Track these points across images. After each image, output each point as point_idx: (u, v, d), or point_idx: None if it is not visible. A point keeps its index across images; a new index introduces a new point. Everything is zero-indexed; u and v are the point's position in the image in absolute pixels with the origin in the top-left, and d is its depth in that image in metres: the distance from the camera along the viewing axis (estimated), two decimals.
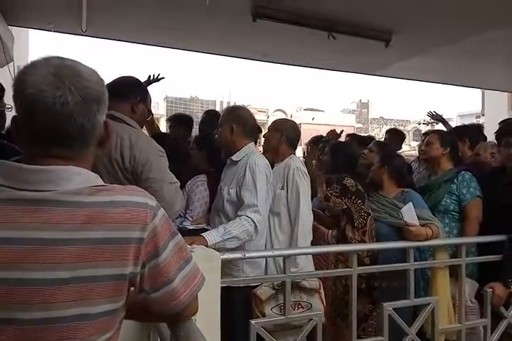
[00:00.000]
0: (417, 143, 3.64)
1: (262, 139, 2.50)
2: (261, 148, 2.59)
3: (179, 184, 1.73)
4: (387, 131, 3.93)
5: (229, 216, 2.04)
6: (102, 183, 0.73)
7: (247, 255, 1.73)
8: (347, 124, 32.78)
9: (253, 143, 2.18)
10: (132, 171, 1.62)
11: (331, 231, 2.34)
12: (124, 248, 0.70)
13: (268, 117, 30.75)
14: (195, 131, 3.44)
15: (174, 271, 0.76)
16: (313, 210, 2.38)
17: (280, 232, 2.22)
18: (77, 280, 0.66)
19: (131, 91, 1.74)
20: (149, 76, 2.76)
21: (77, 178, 0.70)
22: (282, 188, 2.26)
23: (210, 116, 3.37)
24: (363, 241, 2.25)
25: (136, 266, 0.72)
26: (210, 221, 2.19)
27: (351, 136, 3.63)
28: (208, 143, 2.54)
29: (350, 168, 2.49)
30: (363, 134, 4.81)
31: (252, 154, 2.09)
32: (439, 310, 2.03)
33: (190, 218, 2.36)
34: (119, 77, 1.80)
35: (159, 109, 25.66)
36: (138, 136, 1.68)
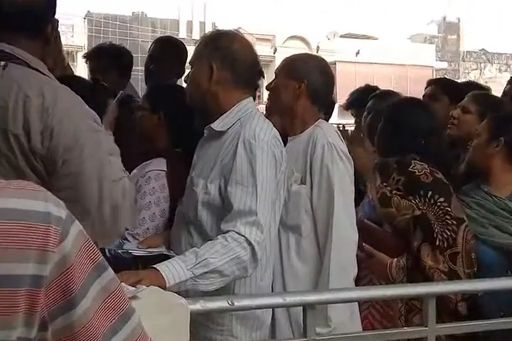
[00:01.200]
0: None
1: (265, 93, 2.53)
2: (263, 109, 2.63)
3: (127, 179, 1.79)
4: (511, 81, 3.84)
5: (206, 231, 2.09)
6: None
7: (236, 303, 1.72)
8: (420, 63, 32.77)
9: (251, 98, 2.24)
10: (45, 157, 1.63)
11: (395, 259, 2.39)
12: (7, 294, 0.71)
13: (275, 51, 30.71)
14: (139, 76, 3.48)
15: (101, 335, 0.78)
16: (361, 222, 2.44)
17: (299, 261, 2.28)
18: None
19: (39, 8, 1.71)
20: None
21: None
22: (303, 182, 2.31)
23: (167, 47, 3.46)
24: (453, 273, 2.30)
25: (29, 326, 0.73)
26: (172, 240, 2.25)
27: (435, 83, 3.62)
28: (169, 99, 2.57)
29: (424, 144, 2.53)
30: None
31: (250, 119, 2.13)
32: None
33: (134, 237, 2.39)
34: None
35: (74, 37, 25.54)
36: (56, 91, 1.67)
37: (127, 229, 2.39)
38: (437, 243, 2.33)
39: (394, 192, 2.41)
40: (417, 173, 2.41)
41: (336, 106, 3.25)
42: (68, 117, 1.64)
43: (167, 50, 3.42)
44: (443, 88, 3.42)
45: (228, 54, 2.14)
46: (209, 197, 2.07)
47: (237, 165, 2.02)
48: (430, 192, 2.38)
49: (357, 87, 3.87)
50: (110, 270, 0.81)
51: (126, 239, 2.39)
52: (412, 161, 2.44)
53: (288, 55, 2.63)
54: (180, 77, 3.56)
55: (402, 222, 2.40)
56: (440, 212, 2.36)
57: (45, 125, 1.61)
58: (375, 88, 3.72)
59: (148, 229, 2.42)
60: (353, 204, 2.35)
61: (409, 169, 2.42)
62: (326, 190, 2.27)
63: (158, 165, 2.51)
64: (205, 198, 2.08)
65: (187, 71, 2.51)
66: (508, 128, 2.55)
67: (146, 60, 3.48)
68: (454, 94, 3.23)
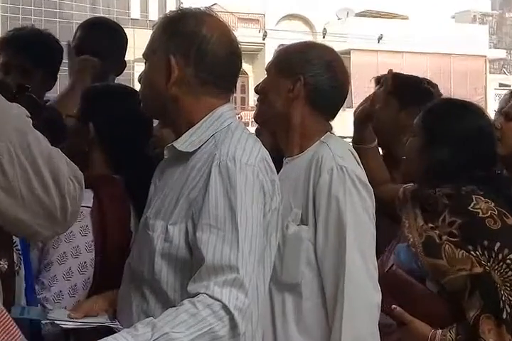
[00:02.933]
0: None
1: (252, 97, 2.55)
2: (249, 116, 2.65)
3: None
4: None
5: (166, 294, 2.07)
6: None
7: None
8: (468, 51, 32.98)
9: (229, 105, 2.24)
10: None
11: (440, 332, 2.38)
12: None
13: (265, 35, 30.81)
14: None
15: None
16: (393, 274, 2.51)
17: (299, 333, 2.29)
18: None
19: None
20: None
21: None
22: (304, 222, 2.34)
23: (97, 34, 3.50)
24: None
25: None
26: (120, 306, 2.24)
27: None
28: (102, 106, 2.61)
29: (484, 169, 2.52)
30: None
31: (228, 135, 2.13)
32: None
33: (42, 304, 2.36)
34: None
35: None
36: None
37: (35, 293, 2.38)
38: (504, 316, 2.30)
39: (445, 238, 2.41)
40: (481, 215, 2.39)
41: (351, 112, 3.24)
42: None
43: (98, 37, 3.44)
44: (394, 88, 3.33)
45: (194, 43, 2.12)
46: (170, 246, 2.04)
47: (210, 200, 1.98)
48: (498, 244, 2.36)
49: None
50: None
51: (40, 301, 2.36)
52: (473, 197, 2.43)
53: (282, 41, 2.65)
54: (119, 74, 3.63)
55: (454, 280, 2.39)
56: (510, 273, 2.35)
57: None
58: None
59: (61, 291, 2.38)
60: (374, 251, 2.37)
61: (470, 208, 2.41)
62: (335, 232, 2.29)
63: (85, 201, 2.32)
64: (166, 247, 2.04)
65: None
66: None
67: (68, 53, 3.49)
68: (407, 96, 3.26)
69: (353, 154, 2.46)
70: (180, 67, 2.12)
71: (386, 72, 2.97)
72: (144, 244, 2.13)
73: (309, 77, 2.44)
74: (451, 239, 2.38)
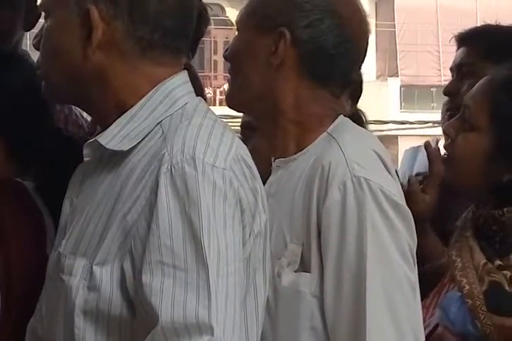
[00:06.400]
0: None
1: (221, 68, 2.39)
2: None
3: None
4: None
5: None
6: None
7: None
8: None
9: (182, 75, 2.10)
10: None
11: None
12: None
13: None
14: None
15: None
16: (439, 338, 2.55)
17: None
18: None
19: None
20: None
21: None
22: (305, 266, 2.20)
23: None
24: None
25: None
26: None
27: (472, 41, 3.55)
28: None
29: None
30: None
31: (183, 123, 1.98)
32: None
33: None
34: None
35: None
36: None
37: None
38: None
39: None
40: None
41: (397, 83, 3.01)
42: None
43: None
44: (487, 49, 3.39)
45: None
46: (98, 298, 1.89)
47: (161, 225, 1.82)
48: None
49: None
50: None
51: None
52: None
53: None
54: (30, 28, 3.63)
55: None
56: None
57: None
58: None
59: None
60: (416, 311, 2.22)
61: None
62: (351, 283, 2.14)
63: None
64: (91, 300, 1.89)
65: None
66: None
67: None
68: (507, 59, 3.08)
69: (378, 155, 2.28)
70: (106, 22, 1.95)
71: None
72: (57, 295, 1.99)
73: (300, 30, 2.29)
74: None
